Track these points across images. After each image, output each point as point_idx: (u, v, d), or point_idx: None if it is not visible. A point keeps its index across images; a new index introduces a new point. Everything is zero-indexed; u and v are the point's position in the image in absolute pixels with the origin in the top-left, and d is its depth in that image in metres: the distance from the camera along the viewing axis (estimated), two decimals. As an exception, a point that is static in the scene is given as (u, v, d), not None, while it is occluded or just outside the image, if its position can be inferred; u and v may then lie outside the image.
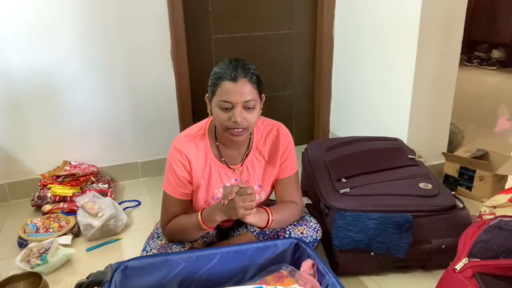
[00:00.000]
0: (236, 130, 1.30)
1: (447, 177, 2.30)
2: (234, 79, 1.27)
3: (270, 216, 1.39)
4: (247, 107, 1.29)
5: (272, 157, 1.49)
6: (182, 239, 1.44)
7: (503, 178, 2.19)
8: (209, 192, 1.46)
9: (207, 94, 1.37)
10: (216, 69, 1.32)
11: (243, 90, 1.27)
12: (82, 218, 1.90)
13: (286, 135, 1.50)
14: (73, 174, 2.22)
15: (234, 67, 1.28)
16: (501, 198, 1.70)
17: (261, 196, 1.52)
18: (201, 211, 1.36)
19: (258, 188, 1.51)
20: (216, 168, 1.45)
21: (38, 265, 1.64)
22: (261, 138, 1.49)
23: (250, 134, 1.47)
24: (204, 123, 1.47)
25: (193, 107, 2.55)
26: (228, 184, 1.47)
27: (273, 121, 1.53)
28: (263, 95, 1.39)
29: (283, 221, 1.45)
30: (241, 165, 1.48)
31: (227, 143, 1.43)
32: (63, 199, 2.15)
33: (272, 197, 1.60)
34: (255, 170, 1.49)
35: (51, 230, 1.88)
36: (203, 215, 1.34)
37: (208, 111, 1.38)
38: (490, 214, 1.68)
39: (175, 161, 1.40)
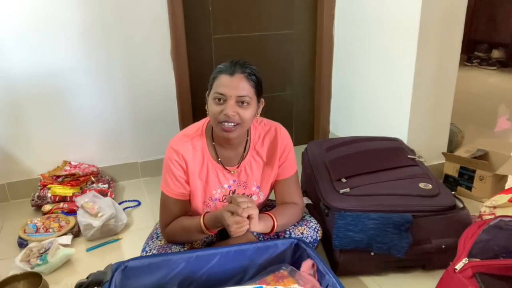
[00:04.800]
0: (227, 124, 1.30)
1: (447, 177, 2.30)
2: (231, 73, 1.30)
3: (275, 222, 1.38)
4: (240, 102, 1.30)
5: (270, 158, 1.49)
6: (183, 240, 1.43)
7: (503, 178, 2.19)
8: (206, 193, 1.45)
9: (207, 91, 1.38)
10: (218, 66, 1.35)
11: (238, 85, 1.29)
12: (82, 218, 1.90)
13: (284, 135, 1.49)
14: (73, 174, 2.22)
15: (233, 64, 1.32)
16: (501, 198, 1.70)
17: (260, 197, 1.52)
18: (203, 215, 1.36)
19: (257, 189, 1.51)
20: (214, 169, 1.44)
21: (38, 265, 1.64)
22: (259, 139, 1.48)
23: (247, 135, 1.47)
24: (201, 123, 1.47)
25: (193, 107, 2.55)
26: (225, 185, 1.47)
27: (271, 121, 1.52)
28: (262, 100, 1.39)
29: (286, 224, 1.46)
30: (238, 167, 1.47)
31: (222, 142, 1.43)
32: (63, 199, 2.15)
33: (271, 197, 1.60)
34: (253, 171, 1.49)
35: (51, 230, 1.88)
36: (205, 219, 1.34)
37: (206, 108, 1.38)
38: (490, 214, 1.68)
39: (172, 161, 1.39)
